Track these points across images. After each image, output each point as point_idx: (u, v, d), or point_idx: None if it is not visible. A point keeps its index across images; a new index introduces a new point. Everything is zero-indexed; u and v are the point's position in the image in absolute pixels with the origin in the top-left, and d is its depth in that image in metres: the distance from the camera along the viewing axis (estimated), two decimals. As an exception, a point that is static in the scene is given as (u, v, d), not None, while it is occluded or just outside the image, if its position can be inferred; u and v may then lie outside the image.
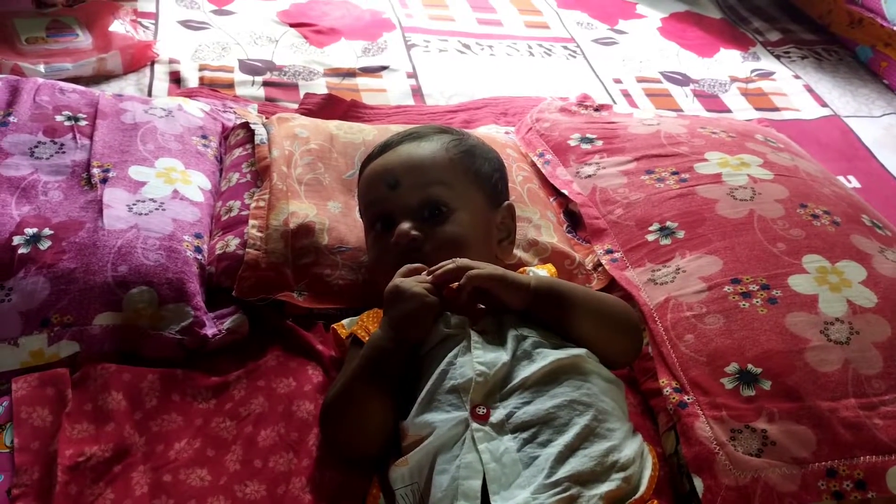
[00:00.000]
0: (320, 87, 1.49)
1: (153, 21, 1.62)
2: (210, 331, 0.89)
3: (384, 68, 1.58)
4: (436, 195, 0.87)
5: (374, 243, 0.90)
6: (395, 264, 0.82)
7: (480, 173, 0.93)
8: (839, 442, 0.78)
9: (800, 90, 1.74)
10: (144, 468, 0.77)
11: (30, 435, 0.78)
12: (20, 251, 0.88)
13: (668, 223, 1.02)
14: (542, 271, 0.93)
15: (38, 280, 0.86)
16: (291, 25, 1.68)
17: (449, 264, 0.79)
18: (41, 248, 0.88)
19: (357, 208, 1.03)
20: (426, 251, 0.84)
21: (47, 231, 0.90)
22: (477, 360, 0.73)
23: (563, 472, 0.66)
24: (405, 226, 0.84)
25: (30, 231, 0.90)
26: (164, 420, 0.82)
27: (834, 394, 0.81)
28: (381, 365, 0.77)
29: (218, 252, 0.96)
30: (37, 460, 0.76)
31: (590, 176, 1.14)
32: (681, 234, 1.00)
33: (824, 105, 1.69)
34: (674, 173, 1.10)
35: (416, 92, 1.53)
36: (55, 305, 0.86)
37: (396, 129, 1.12)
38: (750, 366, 0.84)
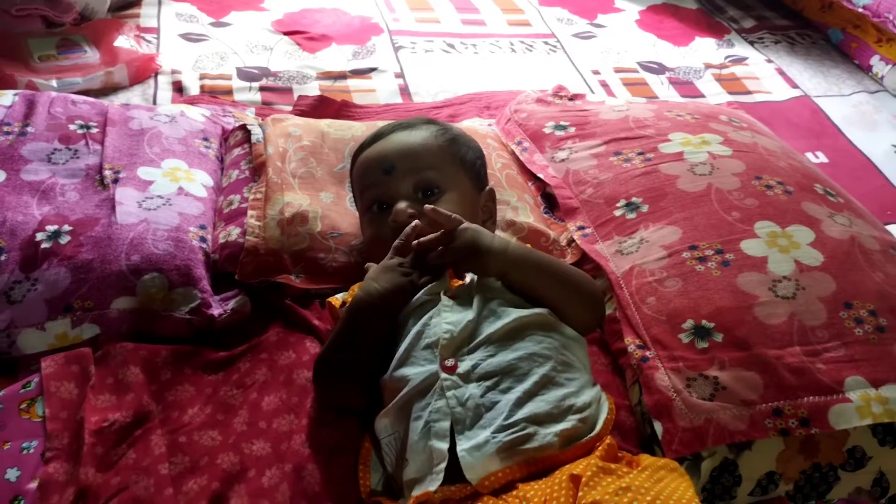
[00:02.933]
0: (313, 90, 1.58)
1: (155, 35, 1.72)
2: (216, 311, 0.98)
3: (373, 70, 1.67)
4: (428, 178, 0.95)
5: (370, 223, 0.98)
6: (392, 241, 0.90)
7: (465, 160, 1.02)
8: (784, 385, 0.86)
9: (771, 73, 1.82)
10: (162, 432, 0.86)
11: (59, 406, 0.87)
12: (43, 246, 0.97)
13: (634, 199, 1.11)
14: None
15: (60, 271, 0.96)
16: (285, 34, 1.78)
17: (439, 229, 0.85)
18: (61, 242, 0.98)
19: (348, 197, 1.13)
20: (422, 226, 0.91)
21: (66, 227, 1.00)
22: (445, 320, 0.82)
23: (520, 414, 0.74)
24: (401, 205, 0.92)
25: (51, 228, 0.99)
26: (177, 390, 0.91)
27: (780, 343, 0.89)
28: (360, 319, 0.85)
29: (221, 241, 1.06)
30: (66, 427, 0.85)
31: (563, 160, 1.23)
32: (645, 209, 1.09)
33: (795, 87, 1.77)
34: (639, 153, 1.19)
35: (404, 91, 1.62)
36: (76, 293, 0.95)
37: (384, 124, 1.21)
38: (704, 321, 0.92)
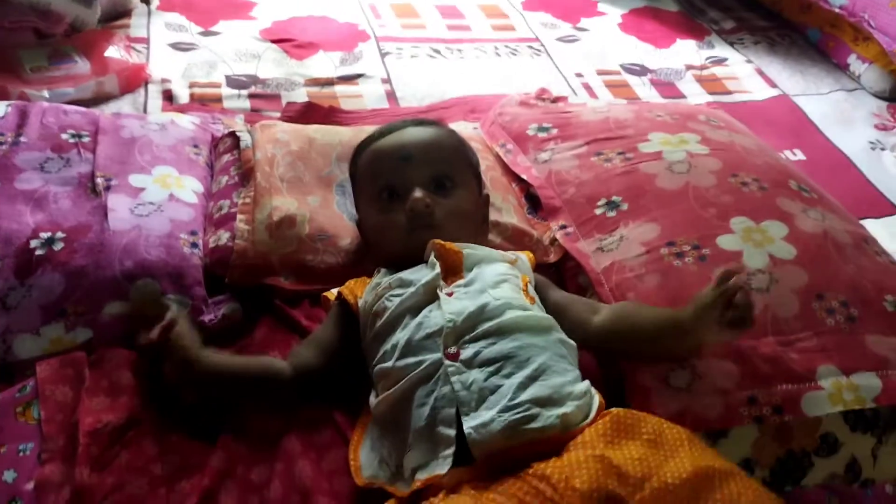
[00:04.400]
0: (301, 96, 1.61)
1: (145, 45, 1.74)
2: (207, 317, 1.00)
3: (360, 76, 1.70)
4: (445, 170, 0.99)
5: (380, 211, 0.99)
6: (407, 228, 0.93)
7: (472, 163, 1.07)
8: (759, 374, 0.89)
9: (751, 73, 1.85)
10: (154, 432, 0.89)
11: (54, 409, 0.89)
12: (37, 253, 0.99)
13: (614, 197, 1.14)
14: (523, 255, 1.03)
15: (55, 277, 0.98)
16: (273, 41, 1.81)
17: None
18: (55, 249, 1.00)
19: (335, 200, 1.16)
20: (437, 217, 0.95)
21: (60, 234, 1.02)
22: (447, 311, 0.84)
23: (524, 396, 0.77)
24: (419, 193, 0.95)
25: (44, 235, 1.01)
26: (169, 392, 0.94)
27: (755, 333, 0.92)
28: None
29: (211, 245, 1.08)
30: (61, 430, 0.87)
31: (546, 161, 1.26)
32: (625, 207, 1.12)
33: (774, 86, 1.81)
34: (620, 153, 1.21)
35: (391, 96, 1.65)
36: (70, 298, 0.97)
37: (371, 129, 1.23)
38: (681, 315, 0.95)
